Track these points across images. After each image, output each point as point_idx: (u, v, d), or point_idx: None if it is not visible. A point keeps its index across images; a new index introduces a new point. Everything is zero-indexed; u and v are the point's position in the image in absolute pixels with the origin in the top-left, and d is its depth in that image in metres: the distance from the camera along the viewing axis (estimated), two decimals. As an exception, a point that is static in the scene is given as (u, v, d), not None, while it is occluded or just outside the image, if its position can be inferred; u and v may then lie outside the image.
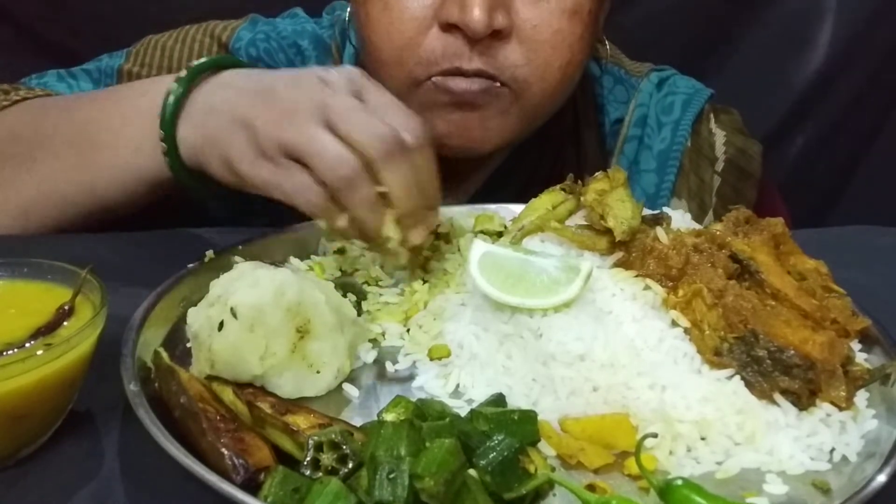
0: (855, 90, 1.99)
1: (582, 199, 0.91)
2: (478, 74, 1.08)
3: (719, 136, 1.31)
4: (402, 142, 0.85)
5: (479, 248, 0.86)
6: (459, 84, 1.08)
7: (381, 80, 1.08)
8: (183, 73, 0.95)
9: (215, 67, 0.97)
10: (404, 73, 1.10)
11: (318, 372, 0.81)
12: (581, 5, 1.09)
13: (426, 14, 1.07)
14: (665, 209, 0.95)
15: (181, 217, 1.26)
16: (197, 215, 1.15)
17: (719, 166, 1.30)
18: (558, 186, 0.96)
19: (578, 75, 1.17)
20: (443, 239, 1.05)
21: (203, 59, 0.97)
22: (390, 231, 0.88)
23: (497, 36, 1.06)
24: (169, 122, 0.93)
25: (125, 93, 1.10)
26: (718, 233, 0.88)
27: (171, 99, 0.93)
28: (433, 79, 1.09)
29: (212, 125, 0.91)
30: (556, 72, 1.11)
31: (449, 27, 1.06)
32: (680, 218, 0.94)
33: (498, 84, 1.09)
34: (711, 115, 1.32)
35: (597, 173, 0.93)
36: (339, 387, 0.83)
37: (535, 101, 1.12)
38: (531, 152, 1.26)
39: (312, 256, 1.02)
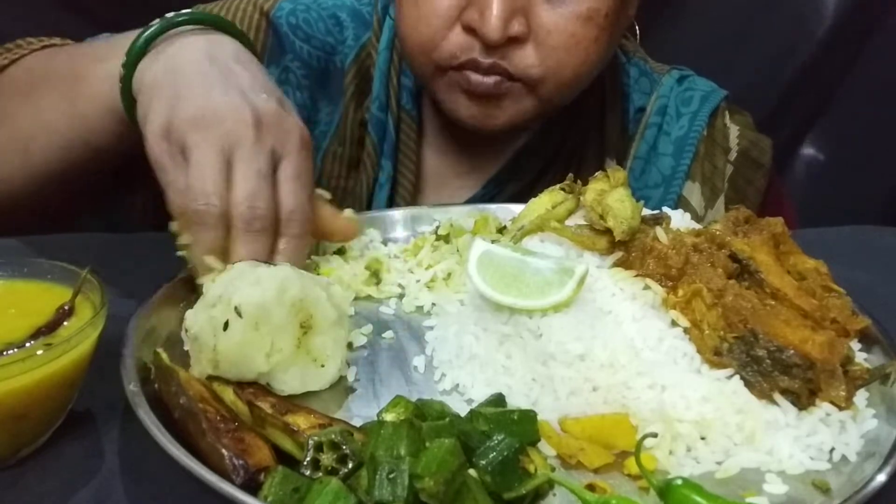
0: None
1: (581, 198, 0.91)
2: (492, 69, 1.14)
3: (733, 130, 1.38)
4: (273, 222, 0.87)
5: (478, 247, 0.86)
6: (475, 77, 1.15)
7: (410, 64, 1.25)
8: (170, 14, 0.96)
9: (211, 25, 0.98)
10: (429, 62, 1.18)
11: (322, 366, 0.81)
12: (597, 10, 1.14)
13: (451, 14, 1.14)
14: (666, 210, 0.95)
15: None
16: None
17: (732, 156, 1.37)
18: (558, 186, 0.96)
19: (596, 71, 1.23)
20: (442, 239, 1.06)
21: (193, 10, 0.99)
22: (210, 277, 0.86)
23: (513, 41, 1.12)
24: (135, 53, 0.95)
25: (124, 34, 1.12)
26: (718, 232, 0.88)
27: (146, 34, 0.95)
28: (453, 71, 1.16)
29: (157, 77, 0.92)
30: (569, 71, 1.17)
31: (470, 29, 1.13)
32: (679, 218, 0.94)
33: (511, 80, 1.16)
34: (726, 112, 1.39)
35: (597, 173, 0.93)
36: (341, 385, 0.83)
37: (548, 95, 1.19)
38: (556, 132, 1.33)
39: (313, 257, 1.02)
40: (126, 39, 0.98)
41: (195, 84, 0.89)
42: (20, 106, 1.10)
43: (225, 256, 0.86)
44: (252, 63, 0.96)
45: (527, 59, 1.14)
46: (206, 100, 0.88)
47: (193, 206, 0.84)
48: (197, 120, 0.86)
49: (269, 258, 0.87)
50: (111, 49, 1.01)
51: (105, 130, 1.03)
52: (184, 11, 0.97)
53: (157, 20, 0.96)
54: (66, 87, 1.05)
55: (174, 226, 0.88)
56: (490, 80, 1.15)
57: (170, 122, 0.87)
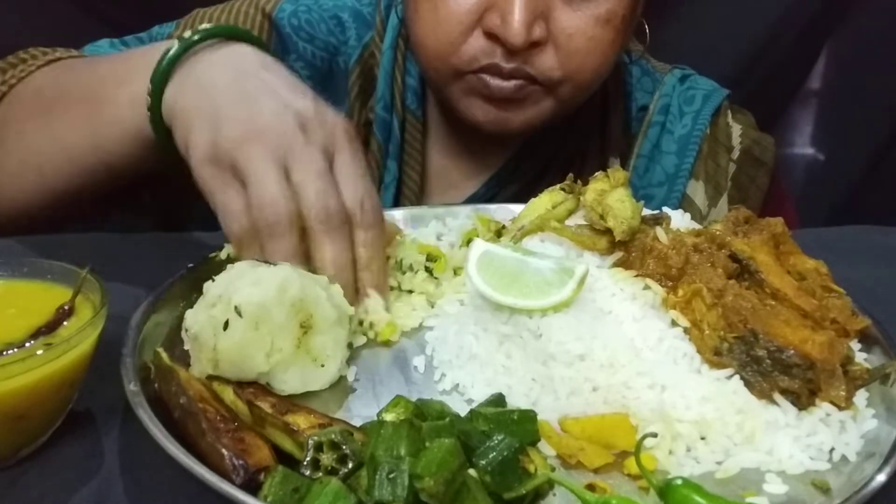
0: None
1: (582, 198, 0.91)
2: (513, 74, 1.14)
3: (735, 129, 1.39)
4: (348, 217, 0.87)
5: (478, 248, 0.86)
6: (496, 82, 1.15)
7: (426, 69, 1.23)
8: (188, 33, 0.96)
9: (227, 36, 0.98)
10: (447, 67, 1.17)
11: (322, 366, 0.81)
12: (615, 13, 1.15)
13: (471, 19, 1.13)
14: (666, 210, 0.95)
15: (182, 219, 1.26)
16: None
17: (735, 154, 1.37)
18: (558, 186, 0.96)
19: (609, 71, 1.24)
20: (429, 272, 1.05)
21: (211, 25, 0.98)
22: None
23: (534, 45, 1.12)
24: (160, 77, 0.94)
25: (138, 51, 1.13)
26: (718, 233, 0.88)
27: (168, 56, 0.94)
28: (472, 75, 1.16)
29: (191, 100, 0.91)
30: (587, 73, 1.18)
31: (491, 34, 1.12)
32: (680, 218, 0.94)
33: (531, 83, 1.16)
34: (729, 112, 1.40)
35: (597, 173, 0.93)
36: (341, 385, 0.83)
37: (567, 96, 1.20)
38: (558, 130, 1.33)
39: None
40: (142, 59, 0.97)
41: (231, 101, 0.89)
42: (34, 127, 1.08)
43: (305, 261, 0.86)
44: (277, 65, 0.96)
45: (547, 62, 1.14)
46: (248, 114, 0.87)
47: (264, 219, 0.84)
48: (243, 137, 0.86)
49: (353, 253, 0.87)
50: (129, 70, 1.00)
51: (128, 155, 1.02)
52: (199, 29, 0.96)
53: (176, 41, 0.95)
54: (86, 110, 1.03)
55: (229, 249, 0.89)
56: (511, 84, 1.15)
57: (215, 144, 0.86)
